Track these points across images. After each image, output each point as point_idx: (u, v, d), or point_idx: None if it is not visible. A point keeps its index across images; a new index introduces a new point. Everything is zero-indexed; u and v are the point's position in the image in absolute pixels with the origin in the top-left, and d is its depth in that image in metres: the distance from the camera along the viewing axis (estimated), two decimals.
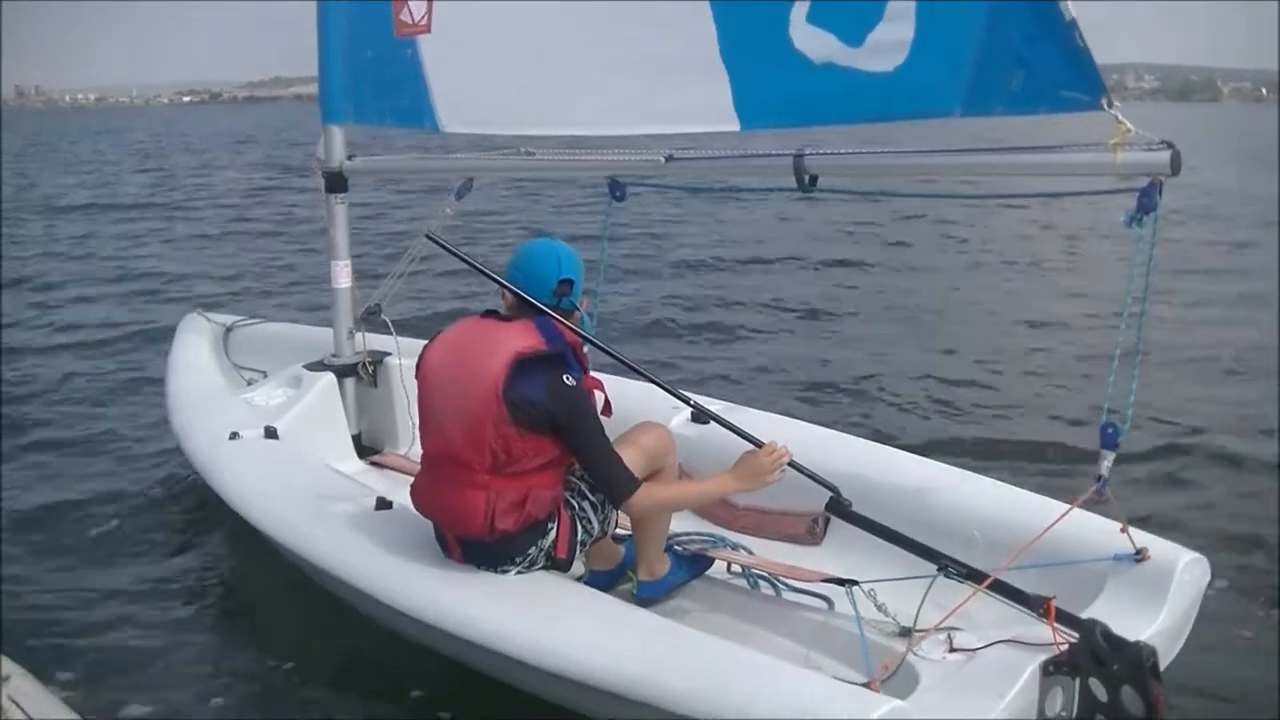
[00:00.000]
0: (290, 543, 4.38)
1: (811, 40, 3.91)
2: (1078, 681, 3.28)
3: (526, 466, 3.76)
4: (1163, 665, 3.27)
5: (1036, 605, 3.48)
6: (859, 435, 5.06)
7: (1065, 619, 3.41)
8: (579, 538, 3.98)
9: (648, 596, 4.24)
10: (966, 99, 3.72)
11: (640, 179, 4.84)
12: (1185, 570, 3.77)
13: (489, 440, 3.70)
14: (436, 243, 4.27)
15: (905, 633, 3.73)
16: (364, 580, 4.02)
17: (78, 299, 12.83)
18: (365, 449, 5.94)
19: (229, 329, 6.95)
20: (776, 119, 4.32)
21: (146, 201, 24.10)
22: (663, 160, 4.52)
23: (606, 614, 3.66)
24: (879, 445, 4.97)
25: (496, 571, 3.87)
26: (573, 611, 3.69)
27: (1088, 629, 3.29)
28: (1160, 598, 3.71)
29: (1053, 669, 3.30)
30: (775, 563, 4.40)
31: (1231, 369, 9.39)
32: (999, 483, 4.52)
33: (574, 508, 3.98)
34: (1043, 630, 3.44)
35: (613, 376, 4.38)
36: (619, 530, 4.27)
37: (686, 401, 4.29)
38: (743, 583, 4.45)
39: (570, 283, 3.95)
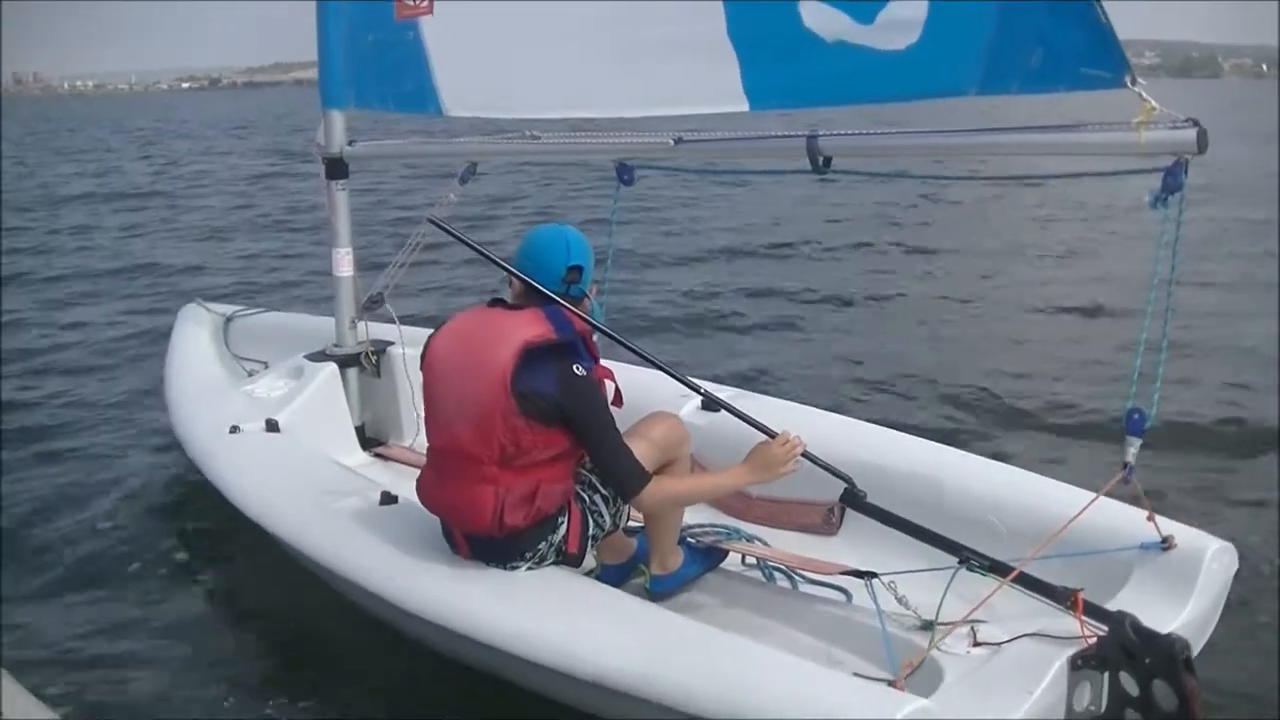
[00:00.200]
0: (293, 540, 4.28)
1: (822, 18, 3.81)
2: (1107, 675, 3.19)
3: (536, 459, 3.66)
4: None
5: (1063, 598, 3.39)
6: (874, 422, 4.94)
7: (1093, 611, 3.32)
8: (590, 532, 3.88)
9: (661, 590, 4.15)
10: (983, 77, 3.62)
11: (649, 162, 4.72)
12: (1214, 559, 3.67)
13: (497, 433, 3.59)
14: (440, 228, 4.17)
15: (927, 626, 3.63)
16: (368, 578, 3.92)
17: (79, 291, 12.69)
18: (369, 441, 5.84)
19: (229, 319, 6.84)
20: (787, 99, 4.23)
21: (149, 190, 23.89)
22: (672, 143, 4.41)
23: (620, 612, 3.56)
24: (895, 432, 4.86)
25: (506, 568, 3.77)
26: (585, 610, 3.59)
27: (1117, 621, 3.20)
28: (1188, 587, 3.62)
29: (1081, 663, 3.21)
30: (791, 554, 4.31)
31: (1260, 351, 9.14)
32: (1020, 470, 4.43)
33: (585, 501, 3.87)
34: (1069, 622, 3.35)
35: (621, 364, 4.27)
36: (631, 522, 4.16)
37: (697, 390, 4.19)
38: (758, 575, 4.35)
39: (579, 269, 3.85)
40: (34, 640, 4.64)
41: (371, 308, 5.79)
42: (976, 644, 3.45)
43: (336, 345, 5.83)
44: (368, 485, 4.52)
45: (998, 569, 3.58)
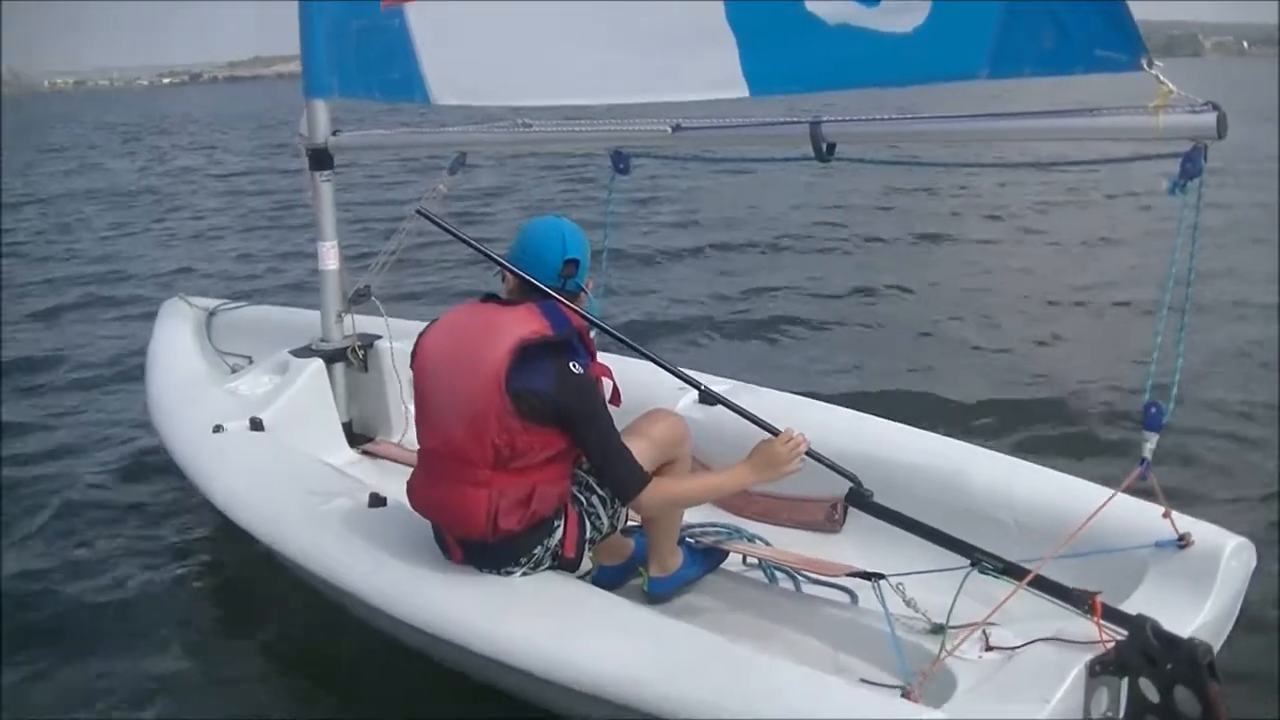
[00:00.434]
0: (279, 544, 4.13)
1: (826, 2, 3.66)
2: (1126, 681, 3.06)
3: (531, 461, 3.52)
4: None
5: (1081, 601, 3.25)
6: (879, 415, 4.80)
7: (1112, 615, 3.18)
8: (587, 535, 3.74)
9: (660, 593, 4.02)
10: (993, 60, 3.47)
11: (646, 150, 4.57)
12: (1232, 556, 3.54)
13: (491, 434, 3.45)
14: (430, 220, 4.02)
15: (937, 630, 3.51)
16: (357, 584, 3.78)
17: (63, 289, 12.43)
18: (356, 437, 5.69)
19: (212, 313, 6.68)
20: (788, 85, 4.09)
21: (136, 187, 23.59)
22: (669, 130, 4.25)
23: (619, 619, 3.42)
24: (901, 426, 4.70)
25: (500, 574, 3.63)
26: (584, 617, 3.45)
27: (1137, 626, 3.06)
28: (1206, 587, 3.48)
29: (1099, 669, 3.07)
30: (795, 555, 4.17)
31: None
32: (1032, 465, 4.28)
33: (582, 503, 3.74)
34: (1085, 625, 3.21)
35: (617, 357, 4.14)
36: (629, 522, 4.03)
37: (696, 385, 4.07)
38: (760, 575, 4.22)
39: (576, 263, 3.71)
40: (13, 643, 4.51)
41: (358, 301, 5.65)
42: (989, 648, 3.31)
43: (322, 340, 5.69)
44: (356, 486, 4.38)
45: (1011, 571, 3.43)
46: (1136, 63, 3.15)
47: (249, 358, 6.18)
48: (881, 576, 3.67)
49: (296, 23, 5.29)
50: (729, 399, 3.95)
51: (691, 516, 4.28)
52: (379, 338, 5.72)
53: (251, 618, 4.73)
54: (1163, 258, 3.31)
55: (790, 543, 4.42)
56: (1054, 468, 4.25)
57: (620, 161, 4.54)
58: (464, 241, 3.91)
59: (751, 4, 3.89)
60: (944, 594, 3.52)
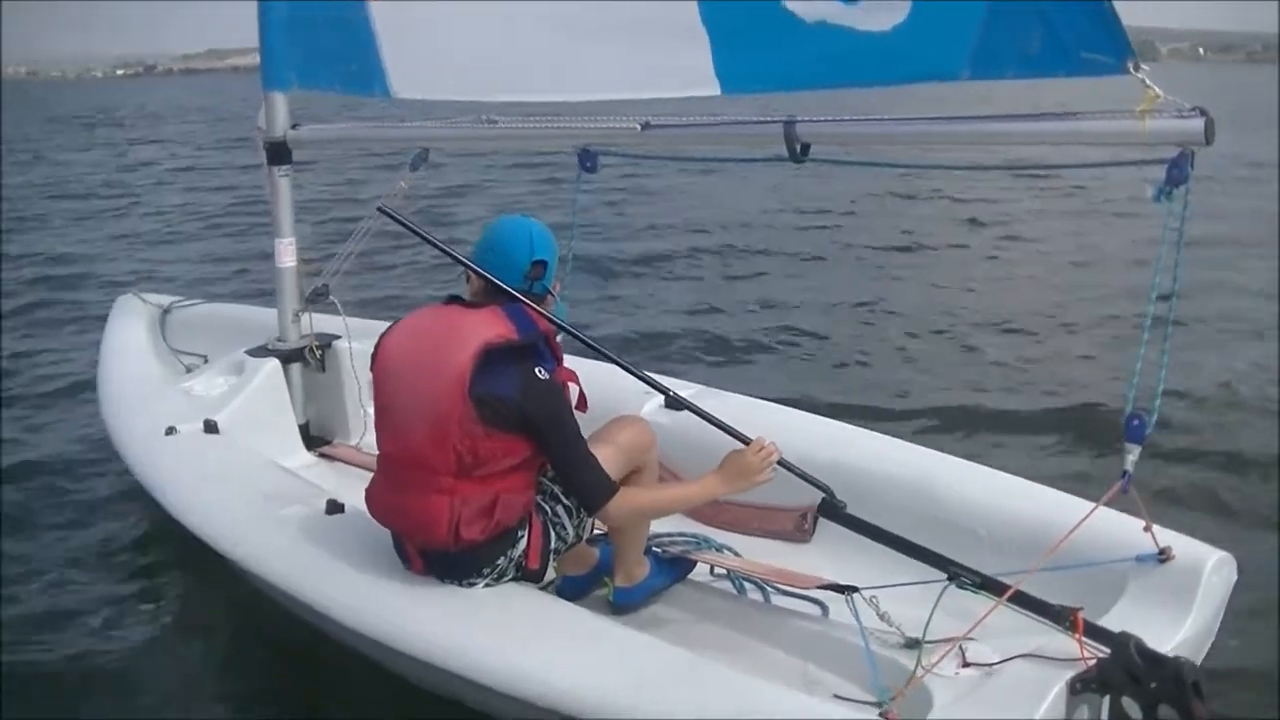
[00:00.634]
0: (233, 553, 3.99)
1: None
2: (1108, 700, 2.97)
3: (495, 469, 3.40)
4: None
5: (1062, 617, 3.15)
6: (853, 423, 4.71)
7: (1094, 632, 3.09)
8: (552, 546, 3.63)
9: (625, 604, 3.91)
10: (975, 60, 3.40)
11: (614, 148, 4.46)
12: (1213, 571, 3.46)
13: (453, 441, 3.33)
14: (392, 218, 3.87)
15: (912, 644, 3.40)
16: (314, 595, 3.65)
17: (22, 289, 11.99)
18: (313, 439, 5.56)
19: (166, 310, 6.52)
20: (761, 83, 4.01)
21: (95, 183, 22.93)
22: (639, 128, 4.15)
23: (587, 633, 3.31)
24: (874, 434, 4.63)
25: (462, 585, 3.51)
26: (548, 631, 3.34)
27: (1121, 643, 2.98)
28: (1186, 602, 3.39)
29: (1080, 686, 2.99)
30: (765, 566, 4.07)
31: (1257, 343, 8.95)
32: (1008, 476, 4.20)
33: (547, 513, 3.62)
34: (1065, 642, 3.11)
35: (582, 361, 4.01)
36: (594, 530, 3.92)
37: (665, 392, 3.95)
38: (728, 586, 4.13)
39: (544, 264, 3.59)
40: None
41: (316, 300, 5.50)
42: (965, 664, 3.21)
43: (279, 340, 5.54)
44: (313, 492, 4.25)
45: (990, 586, 3.33)
46: (1124, 66, 3.08)
47: (204, 357, 6.04)
48: (854, 589, 3.57)
49: (253, 16, 5.16)
50: (698, 405, 3.83)
51: (658, 525, 4.17)
52: (337, 337, 5.59)
53: (205, 627, 4.59)
54: (1147, 266, 3.23)
55: (759, 552, 4.31)
56: (1032, 480, 4.17)
57: (587, 160, 4.44)
58: (427, 241, 3.78)
59: (727, 1, 3.80)
60: (917, 607, 3.41)
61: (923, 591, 3.43)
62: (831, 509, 3.71)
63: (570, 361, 3.68)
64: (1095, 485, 3.55)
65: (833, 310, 10.52)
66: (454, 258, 3.66)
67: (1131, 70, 3.05)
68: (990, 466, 4.30)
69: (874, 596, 3.52)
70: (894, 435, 4.61)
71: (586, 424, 3.61)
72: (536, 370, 3.40)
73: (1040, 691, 2.96)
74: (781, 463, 3.63)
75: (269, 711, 4.14)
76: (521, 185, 19.82)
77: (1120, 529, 3.55)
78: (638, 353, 8.11)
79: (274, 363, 5.38)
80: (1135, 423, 3.22)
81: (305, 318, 5.56)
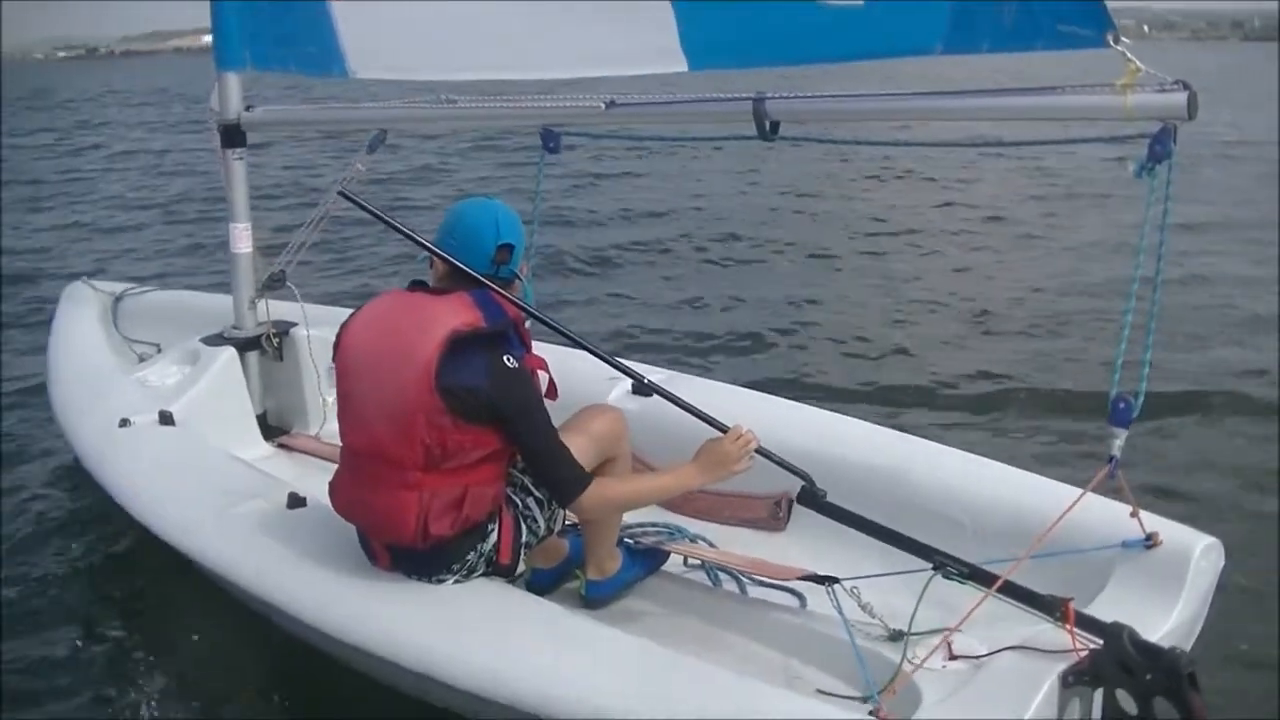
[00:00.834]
0: (192, 549, 3.86)
1: None
2: (1101, 692, 2.90)
3: (464, 461, 3.28)
4: None
5: (1053, 608, 3.06)
6: (829, 408, 4.61)
7: (1085, 622, 3.01)
8: (524, 540, 3.52)
9: (597, 597, 3.80)
10: (949, 35, 3.33)
11: (578, 128, 4.34)
12: (1201, 557, 3.39)
13: (420, 433, 3.21)
14: (352, 201, 3.73)
15: (895, 637, 3.33)
16: (277, 593, 3.53)
17: None
18: (271, 429, 5.42)
19: (118, 298, 6.34)
20: (729, 59, 3.93)
21: (44, 170, 22.50)
22: (603, 106, 4.04)
23: (562, 631, 3.20)
24: (850, 419, 4.54)
25: (430, 581, 3.40)
26: (521, 629, 3.22)
27: (1114, 634, 2.90)
28: (1175, 589, 3.32)
29: (1073, 679, 2.90)
30: (741, 556, 3.97)
31: (1242, 326, 8.83)
32: (989, 461, 4.12)
33: (517, 505, 3.51)
34: (1054, 632, 3.03)
35: (549, 347, 3.91)
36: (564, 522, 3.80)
37: (639, 379, 3.83)
38: (702, 577, 4.02)
39: (510, 248, 3.46)
40: None
41: (272, 286, 5.35)
42: (952, 657, 3.13)
43: (235, 327, 5.40)
44: (273, 485, 4.12)
45: (977, 576, 3.24)
46: (1103, 39, 3.01)
47: (157, 345, 5.87)
48: (835, 580, 3.48)
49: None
50: (673, 393, 3.71)
51: (630, 515, 4.05)
52: (295, 325, 5.45)
53: (167, 626, 4.40)
54: (1129, 246, 3.15)
55: (733, 541, 4.22)
56: (1015, 465, 4.09)
57: (550, 140, 4.31)
58: (389, 225, 3.64)
59: None
60: (898, 597, 3.36)
61: (903, 581, 3.35)
62: (811, 497, 3.61)
63: (537, 348, 3.57)
64: (1078, 470, 3.47)
65: (802, 294, 10.33)
66: (417, 242, 3.52)
67: (1111, 43, 2.98)
68: (971, 452, 4.22)
69: (855, 587, 3.44)
70: (871, 421, 4.51)
71: (555, 413, 3.49)
72: (505, 358, 3.28)
73: (1032, 685, 2.88)
74: (760, 450, 3.53)
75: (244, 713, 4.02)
76: (482, 167, 19.43)
77: (1106, 515, 3.48)
78: (604, 340, 8.01)
79: (230, 351, 5.24)
80: (1121, 406, 3.14)
81: (262, 304, 5.41)
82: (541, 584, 3.81)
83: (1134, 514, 3.39)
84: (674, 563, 4.04)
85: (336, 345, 3.48)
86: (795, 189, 16.44)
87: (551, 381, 3.48)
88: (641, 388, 4.04)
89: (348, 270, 10.88)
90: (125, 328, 6.16)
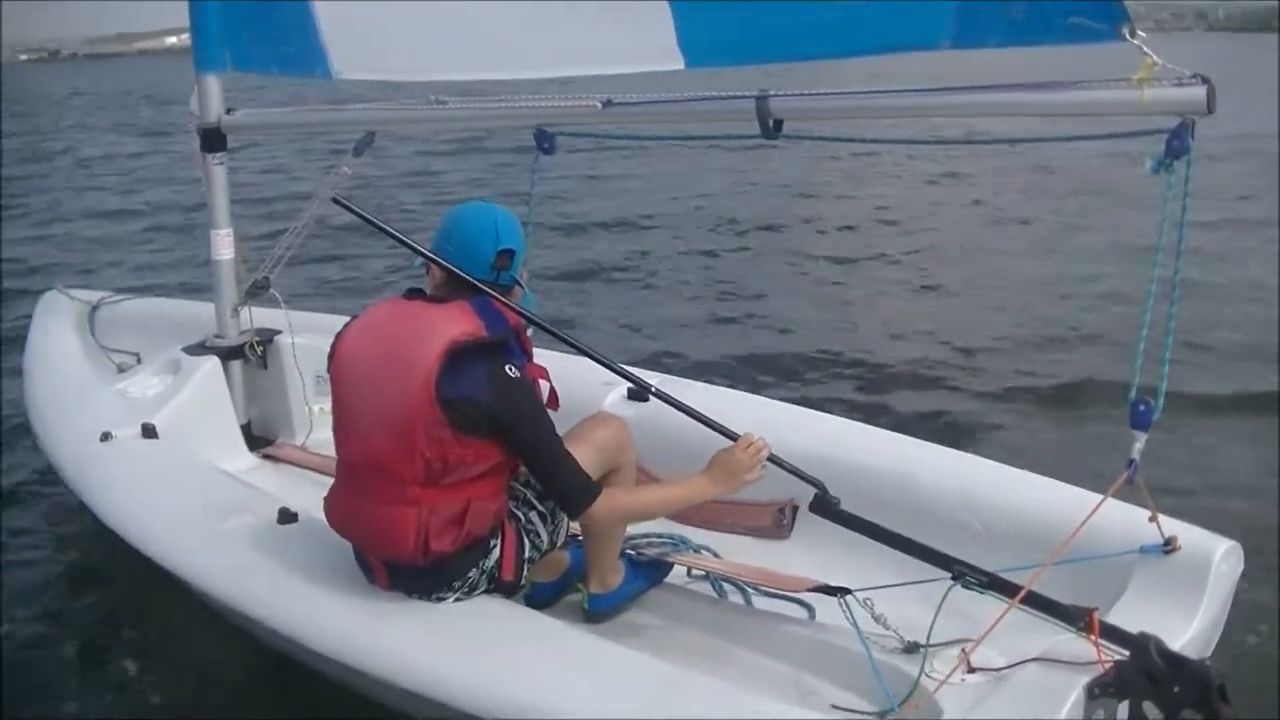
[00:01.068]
0: (181, 569, 3.73)
1: None
2: (1128, 704, 2.81)
3: (465, 475, 3.18)
4: None
5: (1076, 618, 2.97)
6: (837, 413, 4.52)
7: (1110, 633, 2.92)
8: (527, 555, 3.41)
9: (601, 611, 3.70)
10: (957, 29, 3.24)
11: (573, 128, 4.24)
12: (1221, 561, 3.30)
13: (421, 447, 3.10)
14: (346, 207, 3.60)
15: (911, 649, 3.23)
16: (270, 614, 3.41)
17: None
18: (255, 439, 5.29)
19: (95, 307, 6.18)
20: (729, 56, 3.83)
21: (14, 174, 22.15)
22: (599, 106, 3.93)
23: (570, 652, 3.10)
24: (857, 424, 4.46)
25: (430, 600, 3.29)
26: (527, 649, 3.12)
27: (1141, 645, 2.82)
28: (1196, 595, 3.23)
29: (1098, 691, 2.82)
30: (748, 567, 3.87)
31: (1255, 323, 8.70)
32: (1002, 466, 4.03)
33: (520, 520, 3.40)
34: (1075, 643, 2.95)
35: (547, 353, 3.80)
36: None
37: (648, 388, 3.69)
38: (706, 588, 3.93)
39: (511, 253, 3.36)
40: None
41: (256, 294, 5.23)
42: (971, 669, 3.04)
43: (217, 336, 5.27)
44: (263, 499, 4.00)
45: (998, 586, 3.14)
46: (1116, 32, 2.91)
47: (137, 355, 5.74)
48: (847, 591, 3.39)
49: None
50: (679, 400, 3.59)
51: (633, 526, 3.94)
52: (279, 332, 5.32)
53: (152, 647, 4.32)
54: (1140, 243, 3.06)
55: (737, 551, 4.12)
56: (1027, 469, 4.00)
57: (544, 141, 4.22)
58: (384, 231, 3.52)
59: None
60: (912, 607, 3.26)
61: (915, 591, 3.26)
62: (825, 505, 3.50)
63: (539, 356, 3.47)
64: (1090, 473, 3.37)
65: (806, 298, 10.23)
66: (414, 249, 3.41)
67: (1126, 36, 2.89)
68: (982, 456, 4.13)
69: (868, 598, 3.34)
70: (878, 425, 4.42)
71: (558, 423, 3.39)
72: (507, 368, 3.18)
73: (1057, 699, 2.79)
74: (772, 458, 3.43)
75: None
76: (472, 170, 19.16)
77: (1123, 519, 3.38)
78: (598, 344, 7.87)
79: (213, 361, 5.11)
80: (1141, 409, 3.06)
81: (245, 312, 5.28)
82: (542, 598, 3.69)
83: (1153, 518, 3.31)
84: (677, 574, 3.93)
85: (331, 355, 3.37)
86: (796, 188, 16.35)
87: (553, 390, 3.39)
88: (638, 393, 3.95)
89: (331, 275, 10.73)
90: (103, 337, 6.01)
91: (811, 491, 3.54)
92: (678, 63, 3.81)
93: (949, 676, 2.99)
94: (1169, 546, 3.32)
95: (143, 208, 16.71)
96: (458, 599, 3.30)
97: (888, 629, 3.30)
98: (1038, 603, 3.07)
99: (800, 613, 3.72)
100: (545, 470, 3.28)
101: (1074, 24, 2.99)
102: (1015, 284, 10.40)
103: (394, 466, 3.16)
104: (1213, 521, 3.50)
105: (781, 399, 4.84)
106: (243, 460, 5.06)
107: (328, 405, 5.01)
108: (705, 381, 4.81)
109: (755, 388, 5.20)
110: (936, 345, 8.45)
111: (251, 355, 5.26)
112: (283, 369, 5.31)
